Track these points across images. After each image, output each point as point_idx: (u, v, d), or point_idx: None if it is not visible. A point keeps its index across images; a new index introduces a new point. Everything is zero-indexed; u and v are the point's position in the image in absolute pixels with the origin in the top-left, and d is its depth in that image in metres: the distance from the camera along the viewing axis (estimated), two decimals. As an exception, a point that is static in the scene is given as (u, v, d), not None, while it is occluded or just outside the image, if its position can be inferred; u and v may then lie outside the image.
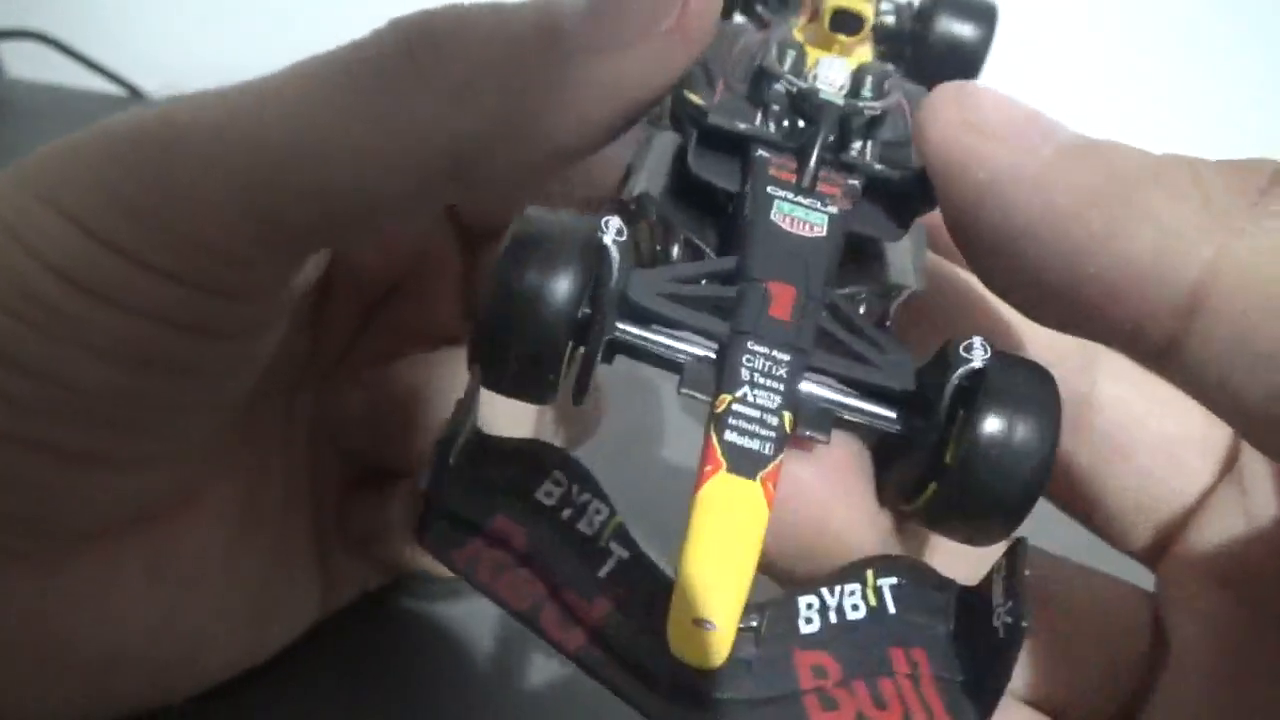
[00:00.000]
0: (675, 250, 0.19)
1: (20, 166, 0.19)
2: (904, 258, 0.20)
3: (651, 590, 0.16)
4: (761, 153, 0.18)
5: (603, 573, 0.16)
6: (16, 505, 0.20)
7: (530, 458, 0.17)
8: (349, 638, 0.27)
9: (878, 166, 0.18)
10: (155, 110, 0.19)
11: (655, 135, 0.20)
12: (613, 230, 0.16)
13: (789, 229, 0.17)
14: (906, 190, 0.18)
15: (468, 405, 0.16)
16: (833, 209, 0.18)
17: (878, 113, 0.18)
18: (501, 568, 0.16)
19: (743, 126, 0.18)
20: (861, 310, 0.19)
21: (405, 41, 0.18)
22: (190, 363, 0.20)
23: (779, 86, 0.18)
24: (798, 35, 0.20)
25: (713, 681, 0.15)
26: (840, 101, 0.18)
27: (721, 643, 0.14)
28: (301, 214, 0.18)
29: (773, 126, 0.18)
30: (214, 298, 0.19)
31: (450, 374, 0.24)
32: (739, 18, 0.24)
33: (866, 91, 0.19)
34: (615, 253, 0.16)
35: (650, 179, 0.19)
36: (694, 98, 0.19)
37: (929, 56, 0.23)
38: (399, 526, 0.25)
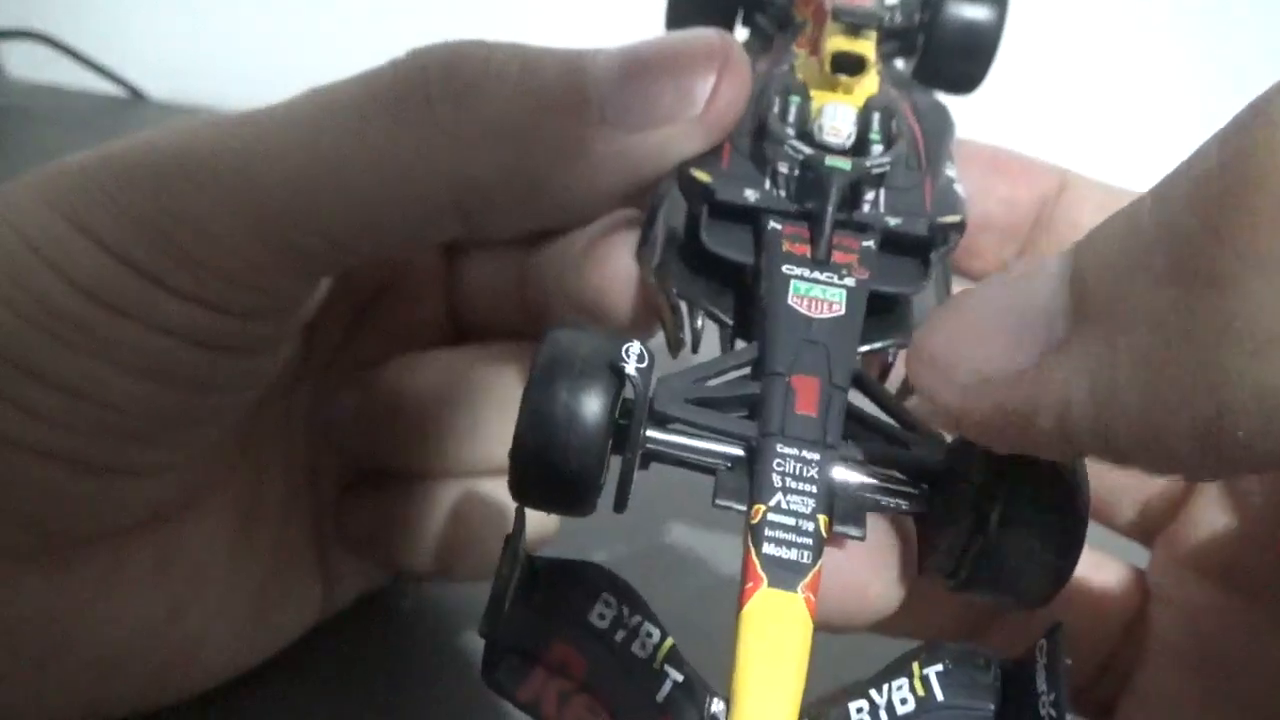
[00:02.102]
0: (700, 322, 0.19)
1: (41, 181, 0.19)
2: (928, 300, 0.19)
3: (705, 715, 0.16)
4: (774, 225, 0.18)
5: (660, 697, 0.16)
6: (28, 510, 0.20)
7: (580, 579, 0.17)
8: (349, 638, 0.26)
9: (892, 222, 0.18)
10: (172, 135, 0.19)
11: (669, 190, 0.19)
12: (634, 359, 0.16)
13: (807, 312, 0.17)
14: (924, 239, 0.18)
15: (517, 539, 0.16)
16: (850, 281, 0.17)
17: (886, 169, 0.18)
18: (566, 698, 0.16)
19: (752, 199, 0.18)
20: (892, 360, 0.19)
21: (423, 80, 0.18)
22: (208, 377, 0.20)
23: (786, 149, 0.18)
24: (799, 75, 0.20)
25: None
26: (848, 166, 0.18)
27: None
28: (315, 243, 0.19)
29: (782, 191, 0.18)
30: (231, 318, 0.19)
31: (439, 375, 0.24)
32: (740, 29, 0.23)
33: (874, 134, 0.19)
34: (639, 380, 0.16)
35: (666, 247, 0.19)
36: (701, 175, 0.18)
37: (941, 47, 0.22)
38: (397, 526, 0.25)
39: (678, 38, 0.19)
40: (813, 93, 0.19)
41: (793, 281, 0.17)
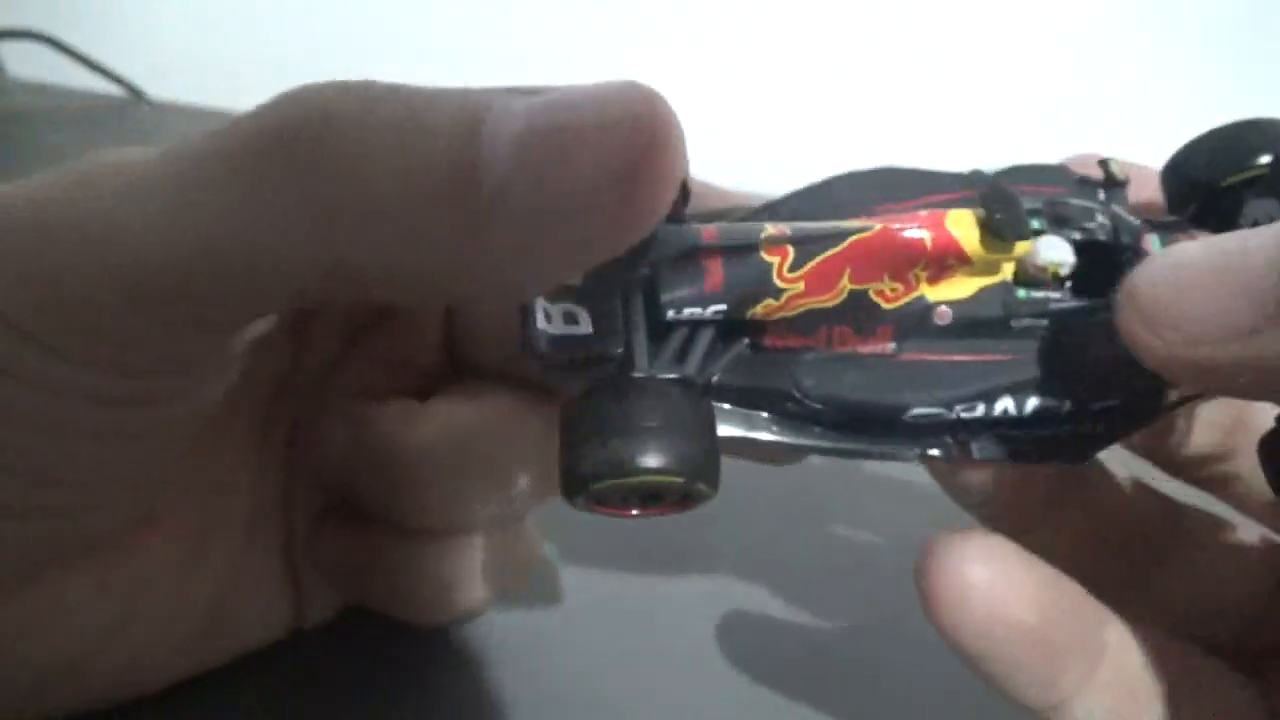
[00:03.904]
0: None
1: None
2: None
3: None
4: None
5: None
6: None
7: None
8: (347, 638, 0.26)
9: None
10: (54, 185, 0.17)
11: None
12: None
13: None
14: None
15: None
16: None
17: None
18: None
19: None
20: None
21: (286, 141, 0.15)
22: (116, 429, 0.19)
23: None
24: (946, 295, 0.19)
25: None
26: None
27: None
28: (188, 314, 0.17)
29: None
30: (128, 378, 0.18)
31: (436, 430, 0.23)
32: None
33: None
34: None
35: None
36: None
37: None
38: (366, 569, 0.24)
39: (593, 94, 0.14)
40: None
41: None
